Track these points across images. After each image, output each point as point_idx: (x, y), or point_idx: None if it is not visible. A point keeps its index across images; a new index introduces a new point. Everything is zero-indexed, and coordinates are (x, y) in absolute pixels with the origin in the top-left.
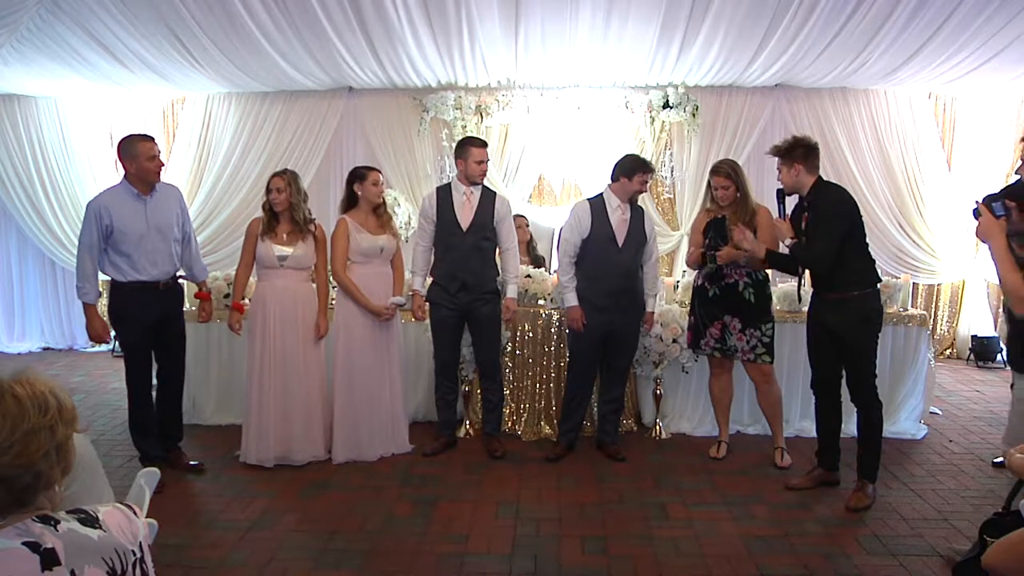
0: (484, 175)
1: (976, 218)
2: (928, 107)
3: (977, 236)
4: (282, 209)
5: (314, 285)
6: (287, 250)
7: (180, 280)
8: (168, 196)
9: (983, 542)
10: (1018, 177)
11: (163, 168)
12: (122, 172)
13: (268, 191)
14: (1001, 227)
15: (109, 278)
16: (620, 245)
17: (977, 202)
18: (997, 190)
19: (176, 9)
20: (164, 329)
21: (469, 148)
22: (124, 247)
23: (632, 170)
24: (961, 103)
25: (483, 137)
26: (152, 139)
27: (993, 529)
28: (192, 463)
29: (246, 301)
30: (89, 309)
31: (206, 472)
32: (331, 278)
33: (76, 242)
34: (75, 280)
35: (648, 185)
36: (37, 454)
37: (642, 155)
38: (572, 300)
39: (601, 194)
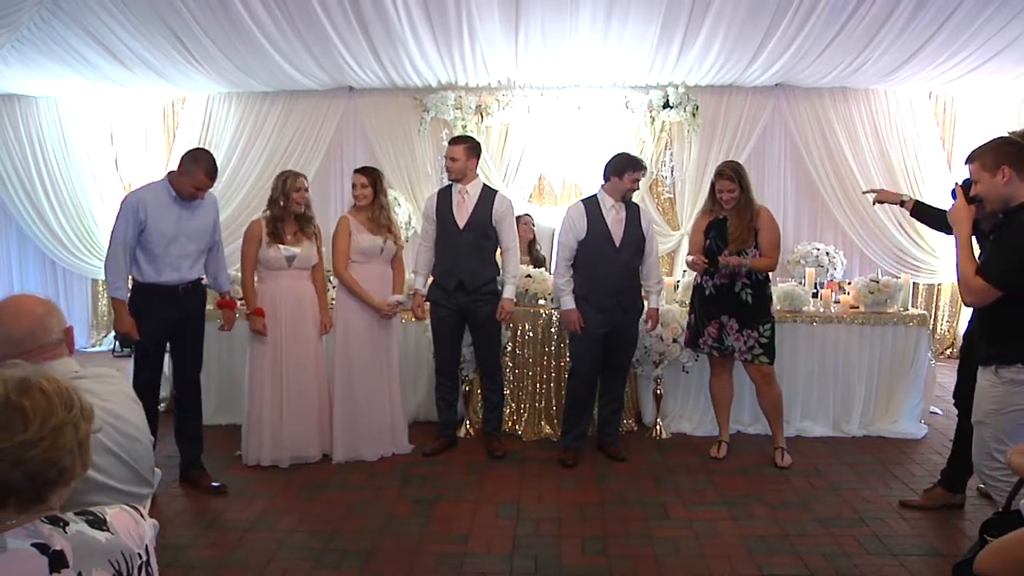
0: (451, 171)
1: (954, 199)
2: (928, 107)
3: (948, 218)
4: (302, 210)
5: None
6: (295, 250)
7: (205, 284)
8: (205, 203)
9: (984, 542)
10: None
11: (198, 198)
12: (156, 175)
13: (294, 191)
14: (971, 213)
15: (131, 277)
16: (618, 245)
17: (956, 183)
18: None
19: (176, 9)
20: (182, 328)
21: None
22: (152, 247)
23: (622, 169)
24: (961, 103)
25: (482, 136)
26: (212, 175)
27: (993, 529)
28: (214, 484)
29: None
30: (119, 305)
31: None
32: (331, 276)
33: (77, 243)
34: (105, 275)
35: (639, 183)
36: (64, 449)
37: (642, 155)
38: (569, 303)
39: (595, 195)
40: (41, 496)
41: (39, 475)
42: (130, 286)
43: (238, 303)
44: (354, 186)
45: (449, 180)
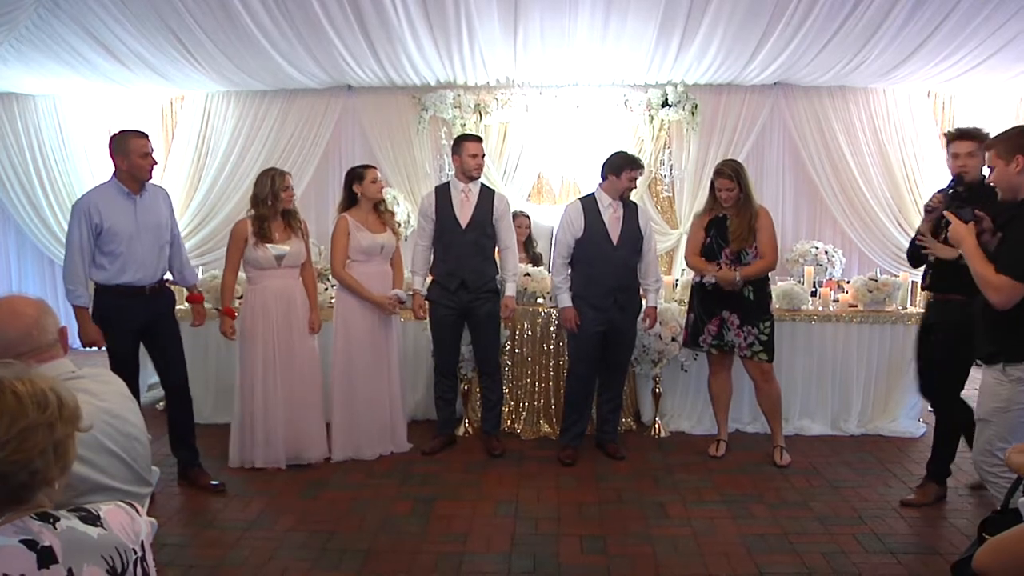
0: (480, 169)
1: (927, 212)
2: (927, 105)
3: (951, 242)
4: (290, 207)
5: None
6: (284, 248)
7: (169, 284)
8: (157, 197)
9: (982, 540)
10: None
11: (155, 166)
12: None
13: (282, 190)
14: (970, 230)
15: (93, 281)
16: (615, 243)
17: (943, 214)
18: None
19: (175, 8)
20: (154, 333)
21: (463, 143)
22: (113, 247)
23: (620, 167)
24: (960, 101)
25: (481, 135)
26: (145, 135)
27: (992, 527)
28: (213, 483)
29: (235, 305)
30: (81, 313)
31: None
32: (329, 275)
33: None
34: (64, 283)
35: (637, 182)
36: (34, 451)
37: (641, 154)
38: (566, 301)
39: (593, 193)
40: (19, 498)
41: (9, 477)
42: (93, 291)
43: (206, 295)
44: (374, 180)
45: (471, 178)
